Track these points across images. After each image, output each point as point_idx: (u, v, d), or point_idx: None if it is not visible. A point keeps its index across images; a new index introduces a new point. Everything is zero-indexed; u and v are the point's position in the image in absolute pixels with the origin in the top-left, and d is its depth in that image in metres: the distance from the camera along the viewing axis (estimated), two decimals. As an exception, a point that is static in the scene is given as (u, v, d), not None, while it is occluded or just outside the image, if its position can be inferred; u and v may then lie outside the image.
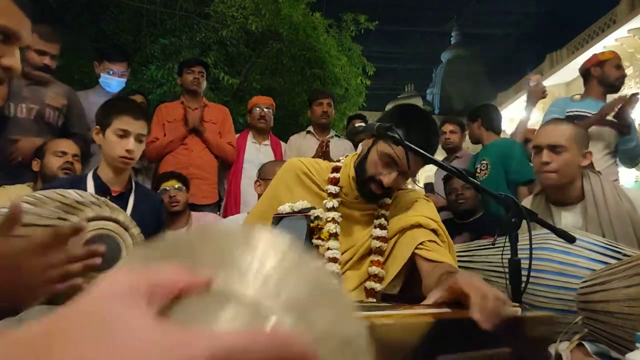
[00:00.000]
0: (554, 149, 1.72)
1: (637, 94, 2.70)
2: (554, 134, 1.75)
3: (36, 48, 2.44)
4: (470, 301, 0.75)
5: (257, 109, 3.37)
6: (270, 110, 3.42)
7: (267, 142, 3.41)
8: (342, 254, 1.32)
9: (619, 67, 2.84)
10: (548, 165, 1.71)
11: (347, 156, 1.46)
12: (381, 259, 1.31)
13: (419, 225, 1.30)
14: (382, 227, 1.33)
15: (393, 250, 1.33)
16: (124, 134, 1.72)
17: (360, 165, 1.33)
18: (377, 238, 1.32)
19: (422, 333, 0.64)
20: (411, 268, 1.31)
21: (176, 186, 2.64)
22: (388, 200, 1.38)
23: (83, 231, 0.77)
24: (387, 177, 1.27)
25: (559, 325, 1.27)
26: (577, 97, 2.95)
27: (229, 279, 0.26)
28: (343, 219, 1.35)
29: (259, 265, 0.27)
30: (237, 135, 3.40)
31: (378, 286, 1.27)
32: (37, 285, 0.73)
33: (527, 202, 1.93)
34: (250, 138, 3.39)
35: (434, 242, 1.27)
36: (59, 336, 0.21)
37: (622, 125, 2.65)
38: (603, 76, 2.82)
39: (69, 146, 2.33)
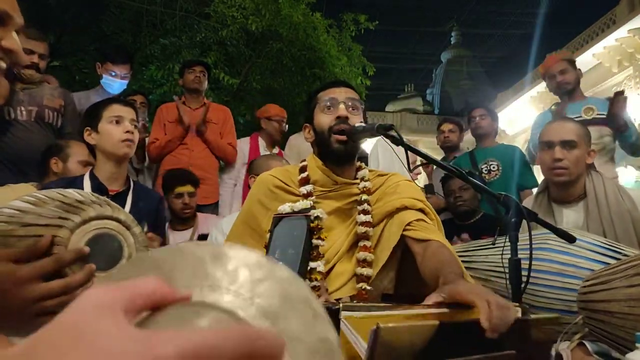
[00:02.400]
0: (566, 145, 1.73)
1: (622, 92, 2.70)
2: (566, 130, 1.76)
3: (23, 47, 2.44)
4: (478, 309, 0.75)
5: (281, 123, 3.45)
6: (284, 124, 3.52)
7: (277, 150, 3.50)
8: (329, 248, 1.31)
9: (552, 76, 2.84)
10: (561, 161, 1.71)
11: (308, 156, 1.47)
12: (368, 243, 1.30)
13: (405, 208, 1.30)
14: (365, 212, 1.32)
15: (382, 237, 1.32)
16: (119, 119, 1.72)
17: (318, 139, 1.37)
18: (362, 224, 1.31)
19: (427, 336, 0.64)
20: (404, 260, 1.30)
21: (190, 191, 2.58)
22: (368, 185, 1.37)
23: (85, 254, 0.77)
24: (339, 112, 1.32)
25: (560, 325, 1.27)
26: (554, 107, 2.96)
27: (203, 291, 0.28)
28: (327, 214, 1.33)
29: (231, 278, 0.28)
30: (247, 138, 3.46)
31: (368, 271, 1.26)
32: (26, 316, 0.71)
33: (529, 200, 1.94)
34: (262, 145, 3.43)
35: (422, 220, 1.27)
36: (42, 352, 0.22)
37: (618, 125, 2.64)
38: (550, 86, 2.88)
39: (90, 155, 2.20)
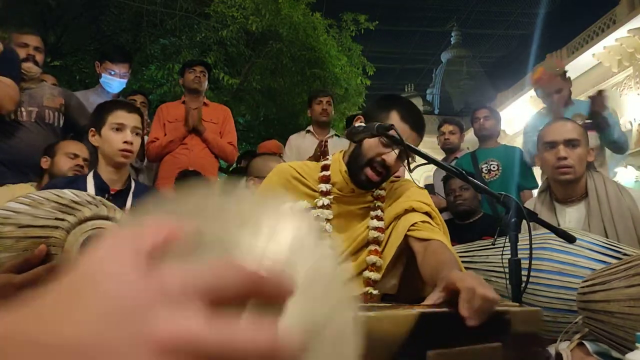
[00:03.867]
0: (569, 144, 1.74)
1: (602, 91, 2.69)
2: (569, 129, 1.77)
3: (17, 42, 2.49)
4: (460, 297, 0.74)
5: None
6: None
7: None
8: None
9: (547, 94, 2.81)
10: (565, 160, 1.72)
11: (334, 154, 1.46)
12: (378, 248, 1.31)
13: (412, 210, 1.31)
14: (378, 218, 1.34)
15: (389, 239, 1.33)
16: (120, 127, 1.73)
17: (355, 152, 1.32)
18: (375, 229, 1.32)
19: (409, 326, 0.64)
20: (409, 264, 1.30)
21: None
22: (382, 192, 1.38)
23: (46, 253, 0.78)
24: (389, 156, 1.27)
25: (555, 324, 1.26)
26: (544, 111, 2.94)
27: (241, 238, 0.26)
28: (339, 215, 1.35)
29: (274, 236, 0.27)
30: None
31: (376, 275, 1.27)
32: None
33: (531, 200, 1.95)
34: None
35: (427, 222, 1.27)
36: (50, 301, 0.22)
37: (599, 122, 2.62)
38: (543, 98, 2.86)
39: (80, 149, 2.31)
